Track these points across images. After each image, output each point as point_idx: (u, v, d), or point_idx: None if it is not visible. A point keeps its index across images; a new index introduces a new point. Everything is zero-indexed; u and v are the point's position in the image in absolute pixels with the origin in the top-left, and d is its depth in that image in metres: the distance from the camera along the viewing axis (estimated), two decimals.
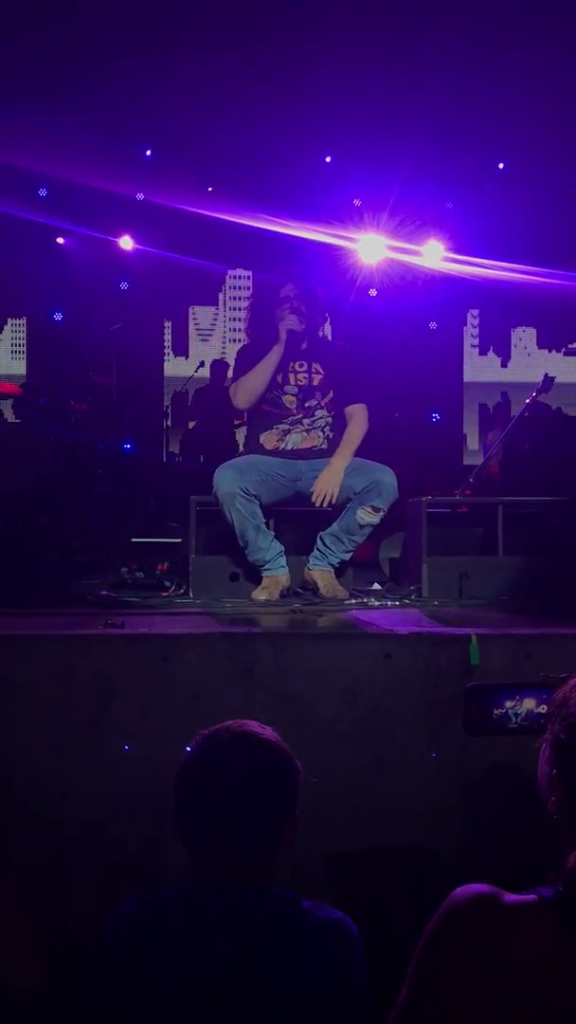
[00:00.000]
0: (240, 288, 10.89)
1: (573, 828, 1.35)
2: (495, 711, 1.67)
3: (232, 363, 4.23)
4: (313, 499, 3.73)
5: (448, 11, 7.28)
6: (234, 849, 1.55)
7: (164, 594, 3.83)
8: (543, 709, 1.62)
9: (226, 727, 1.63)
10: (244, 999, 1.45)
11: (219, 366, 9.40)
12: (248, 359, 3.91)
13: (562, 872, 1.32)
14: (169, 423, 9.02)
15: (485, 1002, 1.24)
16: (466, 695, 1.70)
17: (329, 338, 4.42)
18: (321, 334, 4.10)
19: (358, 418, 3.91)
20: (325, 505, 3.72)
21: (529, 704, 1.67)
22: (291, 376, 3.89)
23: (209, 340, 10.88)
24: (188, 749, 1.63)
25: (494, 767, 2.55)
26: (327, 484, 3.71)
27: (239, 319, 10.78)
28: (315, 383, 3.90)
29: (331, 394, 3.92)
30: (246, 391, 3.87)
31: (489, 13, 7.27)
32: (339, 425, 3.93)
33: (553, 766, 1.38)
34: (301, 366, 3.91)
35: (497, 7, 7.23)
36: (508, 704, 1.66)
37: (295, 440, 3.86)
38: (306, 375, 3.90)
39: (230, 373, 4.83)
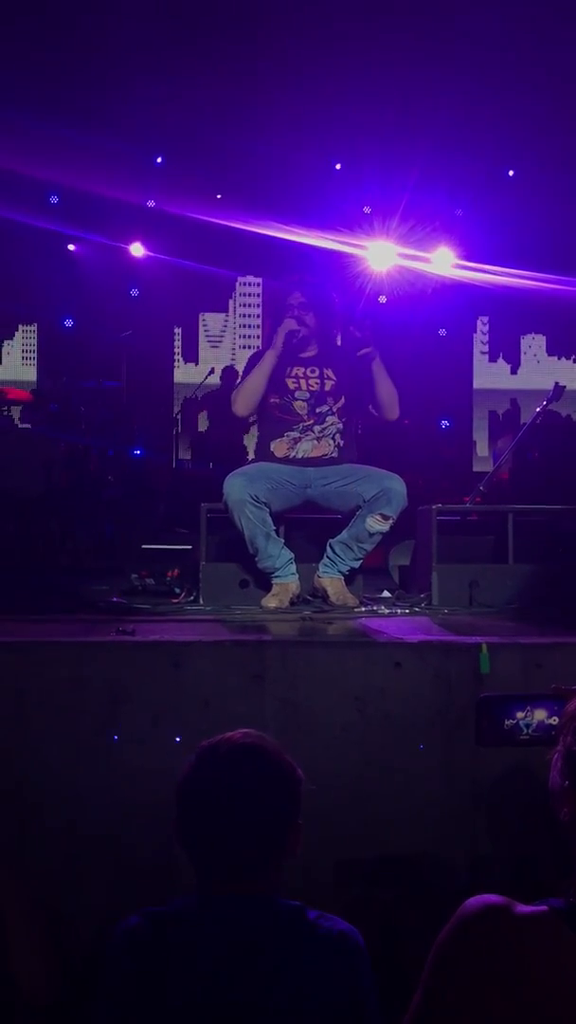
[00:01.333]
0: (250, 295, 10.92)
1: None
2: (506, 722, 1.67)
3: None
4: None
5: (458, 18, 7.30)
6: (236, 860, 1.55)
7: (174, 601, 3.83)
8: (554, 720, 1.63)
9: (226, 738, 1.62)
10: (249, 1011, 1.44)
11: (230, 373, 9.44)
12: (252, 366, 3.93)
13: (573, 883, 1.32)
14: (179, 429, 9.05)
15: (497, 1012, 1.24)
16: (477, 706, 1.70)
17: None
18: (337, 341, 4.11)
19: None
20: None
21: (540, 715, 1.67)
22: (303, 382, 3.89)
23: (219, 347, 10.91)
24: (191, 759, 1.63)
25: (506, 775, 2.55)
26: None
27: (249, 326, 10.82)
28: (327, 388, 3.90)
29: (343, 400, 3.92)
30: (243, 396, 3.88)
31: (500, 20, 7.28)
32: (350, 432, 3.94)
33: (565, 778, 1.38)
34: (313, 371, 3.91)
35: (507, 14, 7.24)
36: (519, 715, 1.67)
37: (305, 448, 3.86)
38: (318, 380, 3.90)
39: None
